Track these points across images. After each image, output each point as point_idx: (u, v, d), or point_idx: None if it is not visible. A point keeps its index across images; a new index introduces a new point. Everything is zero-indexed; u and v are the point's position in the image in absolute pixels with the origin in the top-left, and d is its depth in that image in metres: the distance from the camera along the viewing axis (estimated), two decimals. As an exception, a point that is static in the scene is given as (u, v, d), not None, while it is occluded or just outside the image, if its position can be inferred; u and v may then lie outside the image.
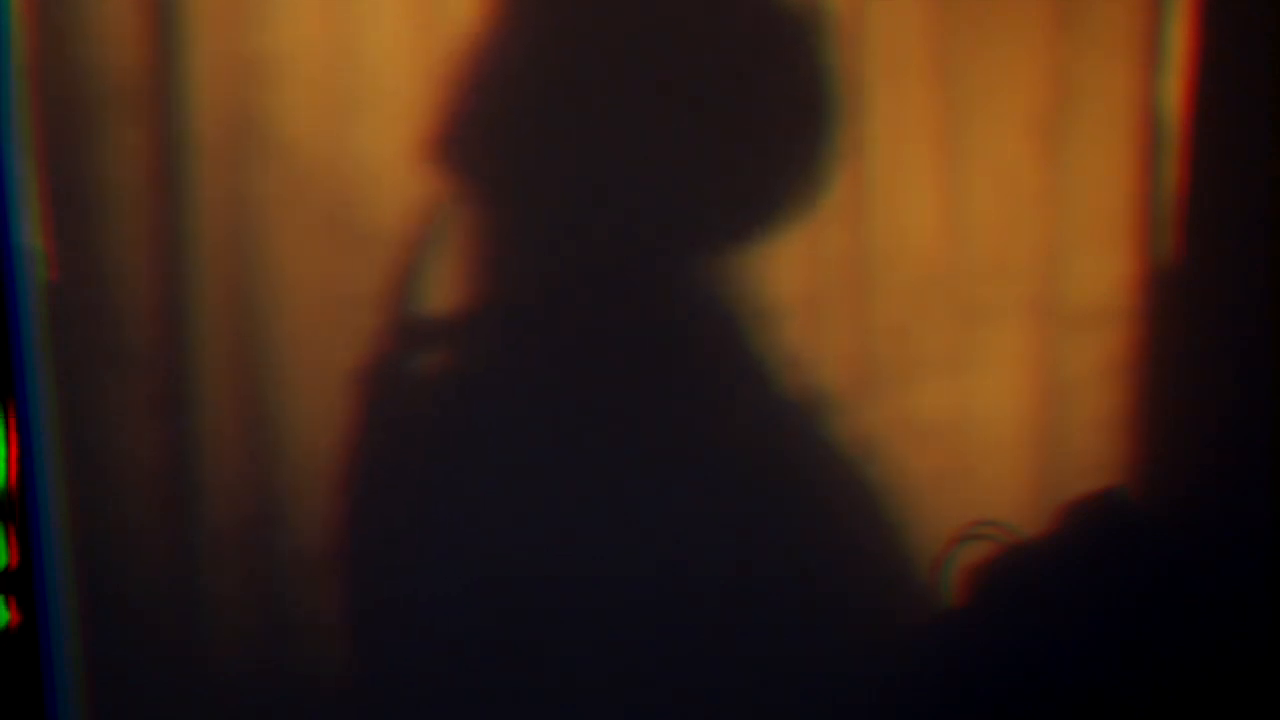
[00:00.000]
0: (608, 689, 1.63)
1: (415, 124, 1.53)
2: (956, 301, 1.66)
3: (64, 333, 1.46)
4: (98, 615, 1.50)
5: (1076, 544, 1.72)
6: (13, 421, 1.46)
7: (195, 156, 1.48)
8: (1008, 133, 1.65)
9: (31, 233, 1.44)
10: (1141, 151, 1.69)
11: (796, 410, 1.64)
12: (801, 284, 1.62)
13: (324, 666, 1.57)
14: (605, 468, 1.60)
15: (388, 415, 1.55)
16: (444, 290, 1.55)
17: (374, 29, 1.51)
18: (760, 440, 1.64)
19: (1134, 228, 1.70)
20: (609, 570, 1.62)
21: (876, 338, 1.64)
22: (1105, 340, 1.71)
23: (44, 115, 1.44)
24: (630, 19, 1.54)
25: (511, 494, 1.59)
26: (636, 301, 1.59)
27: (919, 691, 1.71)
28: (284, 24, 1.49)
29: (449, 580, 1.59)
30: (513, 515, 1.59)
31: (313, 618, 1.56)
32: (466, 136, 1.52)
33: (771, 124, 1.58)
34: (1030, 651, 1.73)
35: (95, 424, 1.48)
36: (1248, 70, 1.70)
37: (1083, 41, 1.65)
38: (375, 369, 1.54)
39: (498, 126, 1.53)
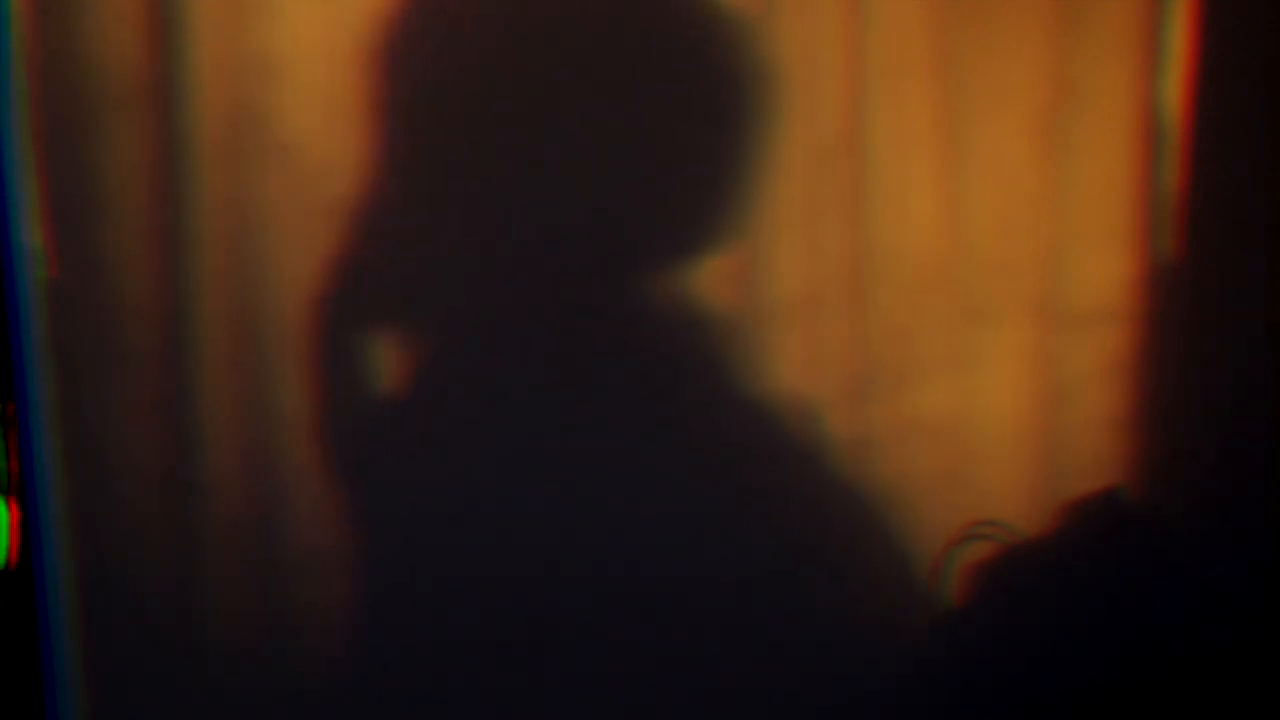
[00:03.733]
0: (605, 693, 1.63)
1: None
2: (957, 301, 1.66)
3: (64, 331, 1.46)
4: (98, 614, 1.50)
5: (1076, 544, 1.72)
6: (13, 421, 1.46)
7: (196, 156, 1.48)
8: (1008, 133, 1.65)
9: (31, 231, 1.44)
10: (1141, 151, 1.69)
11: (794, 409, 1.64)
12: (801, 284, 1.62)
13: (325, 665, 1.57)
14: (600, 472, 1.60)
15: (373, 416, 1.56)
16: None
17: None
18: (757, 440, 1.63)
19: (1134, 228, 1.70)
20: (607, 573, 1.62)
21: (876, 338, 1.64)
22: (1105, 340, 1.71)
23: (44, 115, 1.44)
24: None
25: (512, 494, 1.59)
26: (620, 304, 1.59)
27: (918, 692, 1.71)
28: (285, 24, 1.49)
29: (451, 579, 1.59)
30: (513, 515, 1.59)
31: (313, 616, 1.56)
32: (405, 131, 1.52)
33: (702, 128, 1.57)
34: (1030, 651, 1.73)
35: (96, 423, 1.48)
36: (1248, 70, 1.70)
37: (1083, 41, 1.65)
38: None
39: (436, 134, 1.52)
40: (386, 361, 1.55)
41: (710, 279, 1.60)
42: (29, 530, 1.47)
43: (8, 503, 1.45)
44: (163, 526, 1.52)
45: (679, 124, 1.56)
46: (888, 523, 1.68)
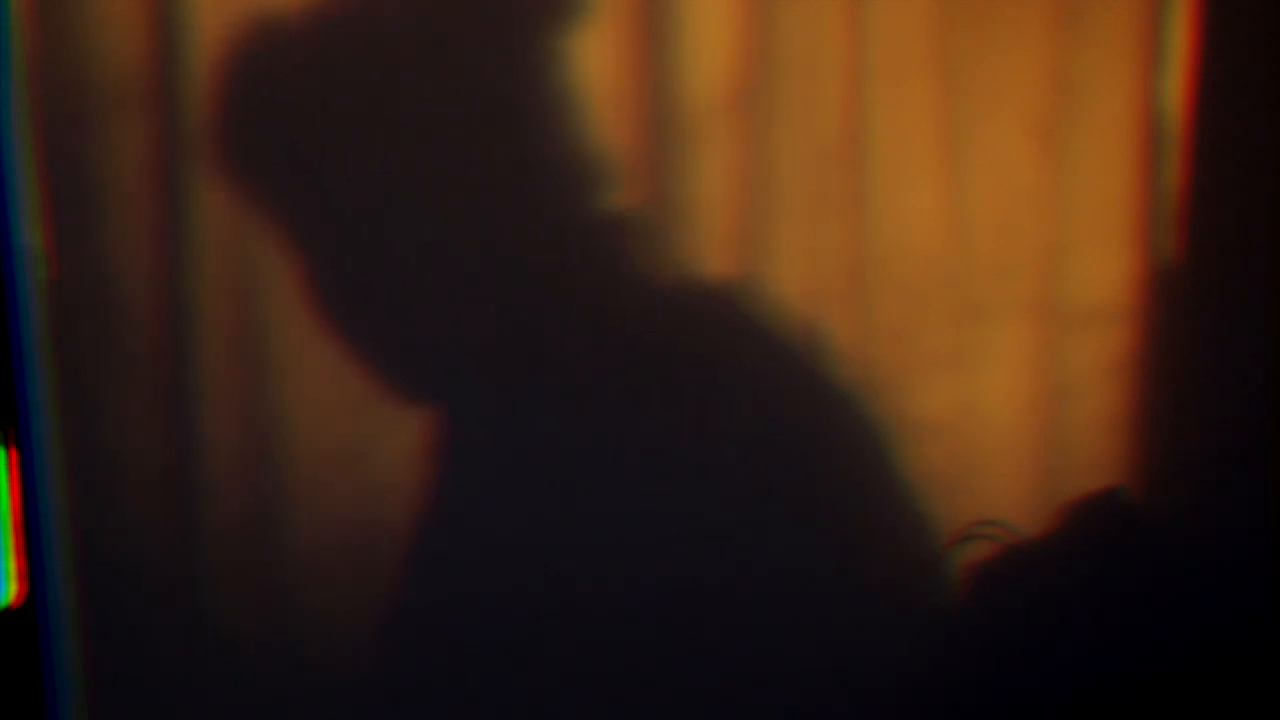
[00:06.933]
0: (604, 687, 1.63)
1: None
2: (957, 301, 1.66)
3: (64, 332, 1.46)
4: (98, 614, 1.50)
5: (1076, 544, 1.72)
6: (13, 421, 1.46)
7: (196, 155, 1.47)
8: (1008, 132, 1.65)
9: (31, 232, 1.44)
10: (1142, 151, 1.69)
11: (796, 409, 1.64)
12: (801, 283, 1.62)
13: (325, 666, 1.57)
14: (601, 469, 1.60)
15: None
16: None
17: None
18: (758, 439, 1.64)
19: (1134, 227, 1.70)
20: (602, 572, 1.62)
21: (877, 338, 1.65)
22: (1105, 340, 1.71)
23: (44, 115, 1.44)
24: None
25: (513, 493, 1.59)
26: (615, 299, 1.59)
27: (918, 691, 1.71)
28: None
29: (450, 579, 1.59)
30: (514, 513, 1.59)
31: (313, 617, 1.56)
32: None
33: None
34: (1030, 651, 1.73)
35: (96, 423, 1.48)
36: (1248, 70, 1.70)
37: (1084, 41, 1.66)
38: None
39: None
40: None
41: (711, 279, 1.60)
42: (29, 530, 1.47)
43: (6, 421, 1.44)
44: (163, 527, 1.52)
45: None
46: (888, 523, 1.68)
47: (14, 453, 1.46)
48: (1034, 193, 1.67)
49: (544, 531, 1.60)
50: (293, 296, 1.51)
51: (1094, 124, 1.67)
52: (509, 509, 1.59)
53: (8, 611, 1.48)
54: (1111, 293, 1.71)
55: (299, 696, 1.57)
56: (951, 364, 1.67)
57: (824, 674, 1.68)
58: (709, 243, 1.59)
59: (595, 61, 1.54)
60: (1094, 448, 1.72)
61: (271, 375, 1.52)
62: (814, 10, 1.59)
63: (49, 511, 1.47)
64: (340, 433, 1.54)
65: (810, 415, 1.64)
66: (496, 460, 1.58)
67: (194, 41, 1.46)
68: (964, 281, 1.66)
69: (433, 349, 1.56)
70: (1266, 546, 1.77)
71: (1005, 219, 1.67)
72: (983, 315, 1.67)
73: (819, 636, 1.67)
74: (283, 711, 1.57)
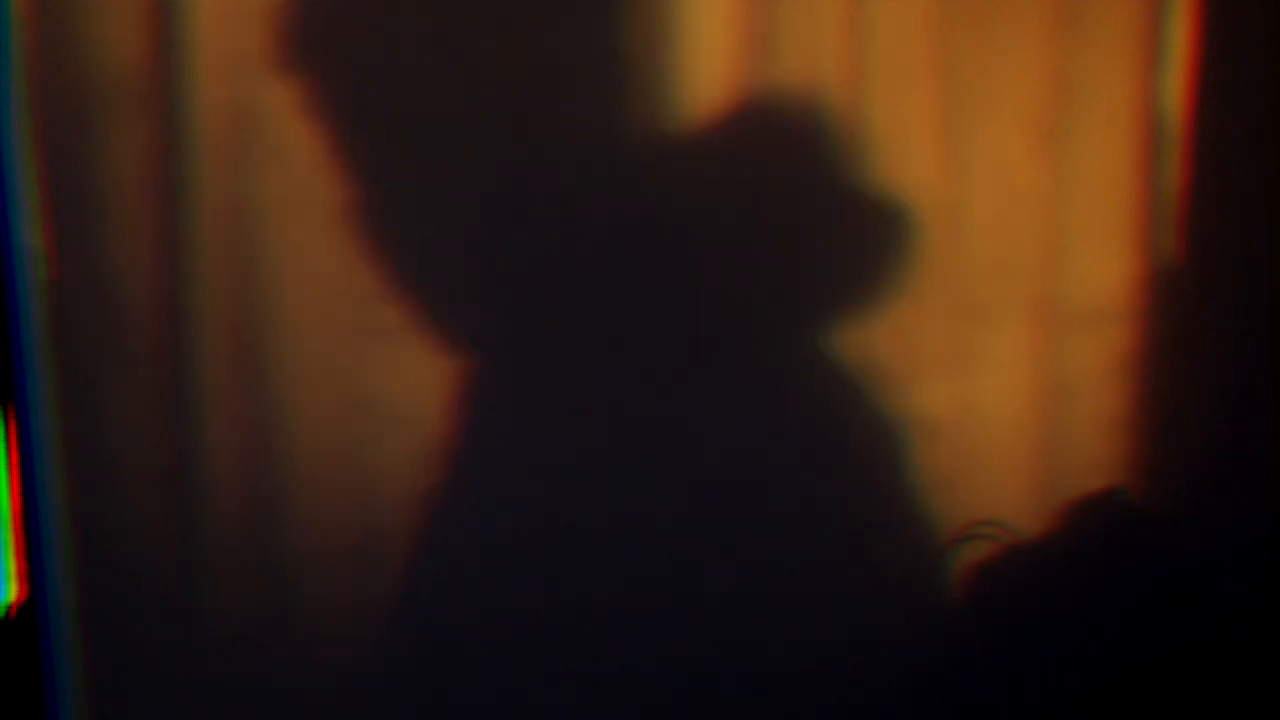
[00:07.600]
0: (604, 687, 1.63)
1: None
2: (957, 301, 1.66)
3: (64, 332, 1.46)
4: (98, 614, 1.50)
5: (1076, 544, 1.72)
6: (13, 421, 1.46)
7: (196, 155, 1.47)
8: (1008, 132, 1.65)
9: (31, 232, 1.44)
10: (1142, 151, 1.69)
11: (795, 406, 1.64)
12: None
13: (324, 665, 1.57)
14: (601, 469, 1.60)
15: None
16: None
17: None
18: (759, 439, 1.64)
19: (1134, 227, 1.70)
20: (602, 572, 1.62)
21: (877, 338, 1.64)
22: (1106, 340, 1.71)
23: (44, 115, 1.44)
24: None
25: (512, 493, 1.59)
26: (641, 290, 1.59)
27: (919, 691, 1.71)
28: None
29: (452, 579, 1.59)
30: (513, 513, 1.59)
31: (313, 616, 1.56)
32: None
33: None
34: (1031, 651, 1.73)
35: (96, 423, 1.48)
36: (1248, 70, 1.70)
37: (1083, 41, 1.66)
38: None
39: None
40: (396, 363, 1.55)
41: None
42: (29, 530, 1.47)
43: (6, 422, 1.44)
44: (163, 527, 1.52)
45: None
46: (888, 523, 1.68)
47: (14, 452, 1.46)
48: (1034, 193, 1.67)
49: (544, 531, 1.60)
50: (293, 297, 1.51)
51: (1094, 124, 1.67)
52: (508, 508, 1.59)
53: (8, 611, 1.48)
54: (1111, 293, 1.71)
55: (299, 696, 1.57)
56: (951, 364, 1.67)
57: (824, 674, 1.68)
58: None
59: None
60: (1094, 448, 1.72)
61: (271, 375, 1.52)
62: (814, 10, 1.59)
63: (49, 511, 1.47)
64: (340, 433, 1.54)
65: (811, 415, 1.64)
66: (495, 460, 1.58)
67: (194, 41, 1.46)
68: (965, 281, 1.66)
69: (440, 335, 1.56)
70: (1266, 545, 1.77)
71: (1005, 219, 1.67)
72: (983, 315, 1.67)
73: (819, 636, 1.67)
74: (283, 711, 1.57)
